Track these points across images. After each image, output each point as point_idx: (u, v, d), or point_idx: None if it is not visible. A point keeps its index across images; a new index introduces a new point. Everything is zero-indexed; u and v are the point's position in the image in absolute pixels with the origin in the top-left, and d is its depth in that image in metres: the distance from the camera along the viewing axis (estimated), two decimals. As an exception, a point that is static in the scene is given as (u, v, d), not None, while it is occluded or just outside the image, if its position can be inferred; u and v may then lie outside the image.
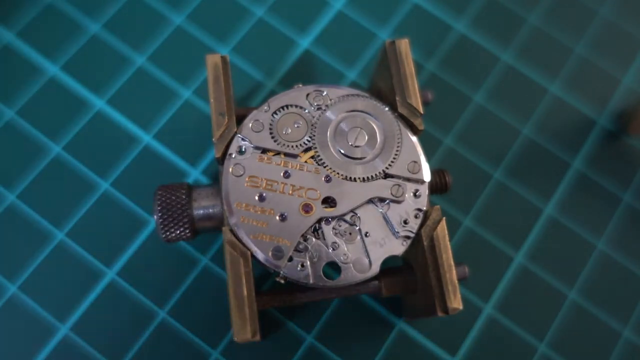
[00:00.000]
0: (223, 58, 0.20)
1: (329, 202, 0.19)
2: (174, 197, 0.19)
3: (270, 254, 0.18)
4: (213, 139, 0.19)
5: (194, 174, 0.24)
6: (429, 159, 0.25)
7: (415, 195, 0.19)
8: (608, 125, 0.26)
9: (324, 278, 0.18)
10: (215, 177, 0.24)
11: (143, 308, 0.22)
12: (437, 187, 0.21)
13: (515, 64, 0.27)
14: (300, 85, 0.20)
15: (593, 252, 0.24)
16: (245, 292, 0.18)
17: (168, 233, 0.19)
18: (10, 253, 0.23)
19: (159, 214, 0.19)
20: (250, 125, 0.19)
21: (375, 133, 0.20)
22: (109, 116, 0.25)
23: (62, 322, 0.22)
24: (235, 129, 0.19)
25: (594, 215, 0.25)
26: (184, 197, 0.19)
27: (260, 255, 0.18)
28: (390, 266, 0.19)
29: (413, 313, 0.21)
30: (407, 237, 0.19)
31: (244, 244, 0.18)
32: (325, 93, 0.20)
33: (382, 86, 0.21)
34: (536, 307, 0.24)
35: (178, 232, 0.19)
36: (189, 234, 0.19)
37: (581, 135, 0.26)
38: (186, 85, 0.25)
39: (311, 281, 0.18)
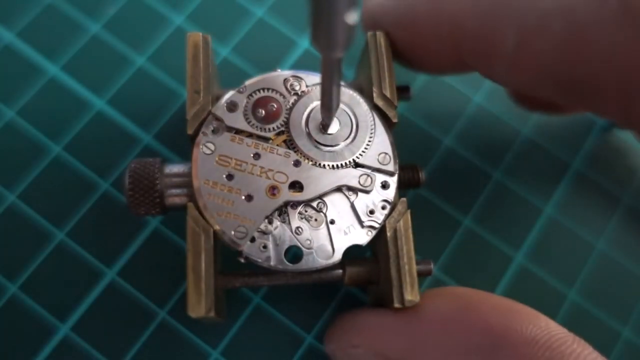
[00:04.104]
0: (204, 37, 0.20)
1: (296, 186, 0.19)
2: (145, 172, 0.19)
3: (233, 232, 0.18)
4: (186, 116, 0.19)
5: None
6: (428, 159, 0.25)
7: (383, 186, 0.19)
8: (607, 125, 0.26)
9: (285, 262, 0.18)
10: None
11: (143, 308, 0.22)
12: (410, 182, 0.21)
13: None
14: (279, 70, 0.20)
15: (593, 252, 0.24)
16: (203, 268, 0.18)
17: (137, 207, 0.19)
18: (10, 253, 0.23)
19: (130, 187, 0.19)
20: (225, 105, 0.19)
21: (349, 122, 0.20)
22: (109, 116, 0.25)
23: (62, 322, 0.22)
24: (209, 108, 0.19)
25: (594, 215, 0.25)
26: (155, 172, 0.19)
27: (223, 233, 0.18)
28: (355, 256, 0.19)
29: (376, 305, 0.21)
30: (372, 228, 0.19)
31: (207, 221, 0.18)
32: (302, 79, 0.20)
33: (362, 78, 0.21)
34: (536, 308, 0.24)
35: (147, 206, 0.19)
36: (157, 209, 0.20)
37: (581, 135, 0.26)
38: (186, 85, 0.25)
39: (272, 263, 0.18)
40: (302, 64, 0.26)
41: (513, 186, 0.25)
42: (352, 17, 0.13)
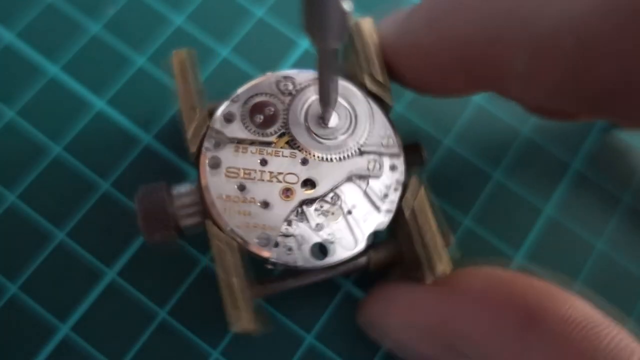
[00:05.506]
0: (189, 53, 0.20)
1: (308, 184, 0.19)
2: (154, 198, 0.19)
3: (256, 241, 0.18)
4: (187, 135, 0.19)
5: (194, 174, 0.24)
6: (429, 159, 0.25)
7: (392, 169, 0.20)
8: (607, 125, 0.26)
9: (312, 259, 0.19)
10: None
11: (143, 308, 0.22)
12: (414, 161, 0.21)
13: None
14: (269, 74, 0.20)
15: (593, 252, 0.24)
16: (235, 282, 0.18)
17: (152, 235, 0.19)
18: (10, 253, 0.23)
19: (142, 216, 0.19)
20: (222, 117, 0.19)
21: (347, 113, 0.20)
22: (110, 116, 0.25)
23: (62, 322, 0.22)
24: (207, 123, 0.19)
25: (594, 215, 0.25)
26: (164, 196, 0.19)
27: (246, 244, 0.18)
28: (375, 241, 0.20)
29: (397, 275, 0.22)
30: (389, 211, 0.19)
31: (229, 235, 0.18)
32: (293, 78, 0.20)
33: (352, 68, 0.22)
34: (536, 307, 0.24)
35: (162, 232, 0.19)
36: (173, 234, 0.19)
37: (581, 135, 0.26)
38: (186, 85, 0.25)
39: (299, 264, 0.19)
40: (302, 64, 0.26)
41: (513, 186, 0.25)
42: (347, 3, 0.13)
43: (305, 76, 0.20)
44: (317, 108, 0.20)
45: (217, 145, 0.19)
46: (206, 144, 0.19)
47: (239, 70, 0.26)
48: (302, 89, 0.20)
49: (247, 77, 0.20)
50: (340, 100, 0.20)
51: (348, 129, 0.20)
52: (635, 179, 0.26)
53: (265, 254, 0.18)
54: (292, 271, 0.19)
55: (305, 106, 0.20)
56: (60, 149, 0.24)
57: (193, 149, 0.19)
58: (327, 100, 0.18)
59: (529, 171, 0.25)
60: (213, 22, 0.26)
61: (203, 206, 0.19)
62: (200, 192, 0.19)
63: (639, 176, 0.26)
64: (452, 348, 0.17)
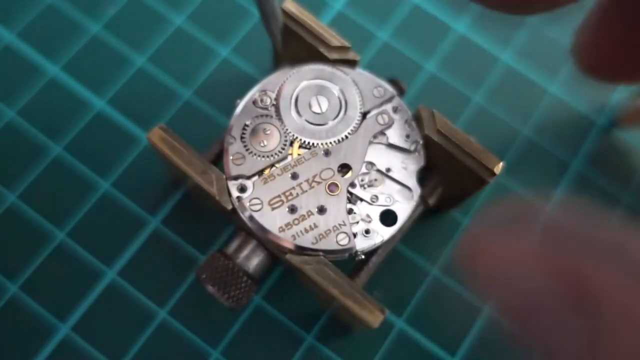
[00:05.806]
0: (162, 128, 0.20)
1: (344, 169, 0.20)
2: (219, 271, 0.19)
3: (337, 245, 0.19)
4: (215, 197, 0.19)
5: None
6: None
7: (396, 111, 0.20)
8: (607, 125, 0.26)
9: (388, 229, 0.19)
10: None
11: (143, 308, 0.22)
12: (400, 94, 0.22)
13: (514, 64, 0.27)
14: (238, 100, 0.20)
15: (593, 252, 0.24)
16: (347, 287, 0.18)
17: (240, 302, 0.20)
18: (10, 253, 0.23)
19: (220, 293, 0.19)
20: (231, 162, 0.19)
21: (328, 90, 0.20)
22: (110, 116, 0.25)
23: (62, 322, 0.22)
24: (224, 176, 0.19)
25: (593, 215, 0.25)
26: (225, 263, 0.19)
27: (330, 252, 0.19)
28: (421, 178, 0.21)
29: (454, 202, 0.23)
30: (419, 147, 0.20)
31: (311, 255, 0.19)
32: (265, 89, 0.20)
33: (300, 53, 0.21)
34: (536, 307, 0.24)
35: (245, 292, 0.20)
36: (255, 287, 0.20)
37: (581, 135, 0.26)
38: (186, 86, 0.25)
39: (380, 239, 0.19)
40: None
41: (513, 186, 0.25)
42: None
43: (274, 81, 0.20)
44: (303, 101, 0.20)
45: (244, 189, 0.19)
46: (235, 195, 0.19)
47: (239, 70, 0.26)
48: (279, 93, 0.20)
49: (247, 77, 0.20)
50: (318, 83, 0.20)
51: (340, 103, 0.20)
52: (635, 179, 0.26)
53: (351, 250, 0.19)
54: (373, 250, 0.19)
55: (293, 106, 0.20)
56: (60, 149, 0.24)
57: (228, 206, 0.19)
58: (269, 23, 0.19)
59: (529, 171, 0.25)
60: (213, 22, 0.26)
61: (265, 248, 0.20)
62: (255, 237, 0.19)
63: (639, 176, 0.26)
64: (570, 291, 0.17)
